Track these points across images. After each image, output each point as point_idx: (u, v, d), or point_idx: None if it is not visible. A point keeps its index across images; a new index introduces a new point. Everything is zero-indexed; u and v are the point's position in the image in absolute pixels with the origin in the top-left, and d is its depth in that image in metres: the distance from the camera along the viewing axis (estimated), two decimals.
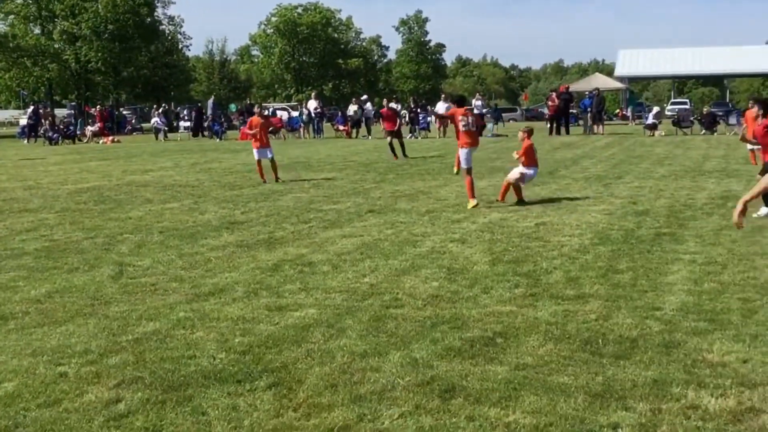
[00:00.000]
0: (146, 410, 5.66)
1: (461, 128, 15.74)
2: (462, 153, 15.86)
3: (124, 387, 6.10)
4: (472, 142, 15.87)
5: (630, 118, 58.92)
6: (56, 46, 71.70)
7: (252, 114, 55.26)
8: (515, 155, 16.20)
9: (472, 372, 6.27)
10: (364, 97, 52.08)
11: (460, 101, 17.17)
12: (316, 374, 6.31)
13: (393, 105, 31.29)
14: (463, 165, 15.83)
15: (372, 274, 9.83)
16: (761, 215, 13.42)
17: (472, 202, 15.22)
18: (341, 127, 47.80)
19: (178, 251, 11.58)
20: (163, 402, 5.79)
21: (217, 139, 46.77)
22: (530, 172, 16.02)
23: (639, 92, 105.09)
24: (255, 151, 20.97)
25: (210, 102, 53.40)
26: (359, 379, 6.18)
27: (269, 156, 20.76)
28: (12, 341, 7.32)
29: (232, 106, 72.59)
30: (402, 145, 28.31)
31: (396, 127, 28.59)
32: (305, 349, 6.93)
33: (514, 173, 15.84)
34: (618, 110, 71.56)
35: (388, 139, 28.32)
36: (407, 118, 47.36)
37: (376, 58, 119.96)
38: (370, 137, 43.83)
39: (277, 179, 20.74)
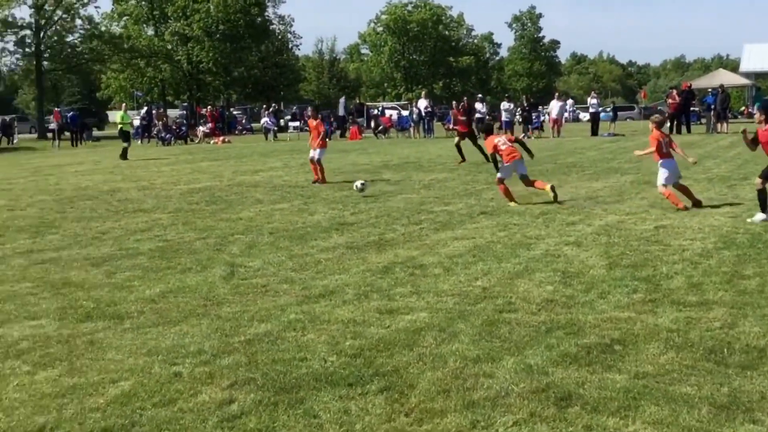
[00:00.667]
0: (259, 411, 5.77)
1: (501, 148, 16.76)
2: (503, 168, 16.81)
3: (237, 388, 6.24)
4: (516, 155, 16.60)
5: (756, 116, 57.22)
6: (168, 46, 73.60)
7: (361, 114, 55.39)
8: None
9: (589, 380, 6.20)
10: (479, 96, 51.87)
11: (488, 130, 18.23)
12: (428, 379, 6.33)
13: (479, 105, 30.54)
14: (500, 174, 16.83)
15: (484, 277, 9.81)
16: (756, 221, 13.01)
17: (513, 204, 15.99)
18: (452, 127, 47.78)
19: (288, 252, 11.77)
20: (276, 404, 5.90)
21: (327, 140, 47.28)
22: (667, 169, 15.04)
23: (766, 89, 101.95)
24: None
25: (342, 101, 53.75)
26: (472, 384, 6.18)
27: (315, 158, 21.68)
28: (128, 340, 7.57)
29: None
30: (478, 147, 26.81)
31: (468, 129, 28.14)
32: (417, 353, 6.96)
33: (659, 178, 15.21)
34: (743, 108, 69.53)
35: (456, 139, 27.77)
36: (520, 117, 47.01)
37: (488, 55, 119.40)
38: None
39: (322, 181, 21.40)
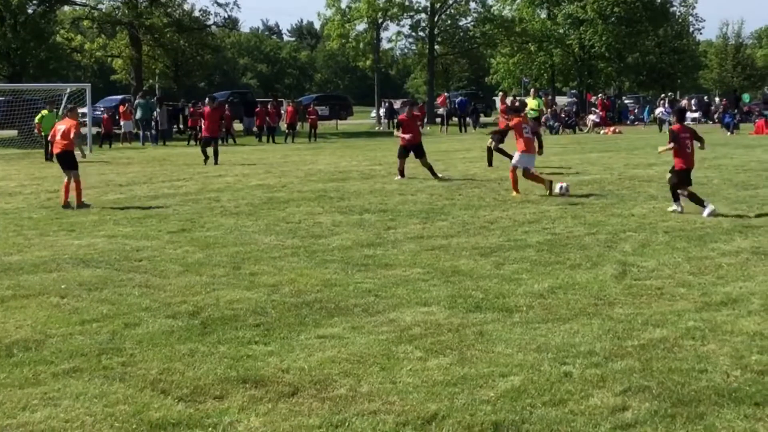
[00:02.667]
0: (654, 423, 5.72)
1: (524, 134, 18.28)
2: (519, 157, 18.20)
3: (631, 395, 6.22)
4: (530, 149, 18.34)
5: None
6: (560, 30, 74.02)
7: None
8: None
9: None
10: None
11: (519, 108, 20.03)
12: None
13: None
14: (516, 164, 18.27)
15: None
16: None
17: (514, 194, 17.91)
18: None
19: (685, 254, 11.50)
20: (673, 416, 5.81)
21: (728, 133, 45.41)
22: None
23: None
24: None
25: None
26: None
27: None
28: (517, 334, 7.79)
29: (746, 97, 69.93)
30: None
31: None
32: None
33: None
34: None
35: None
36: None
37: None
38: None
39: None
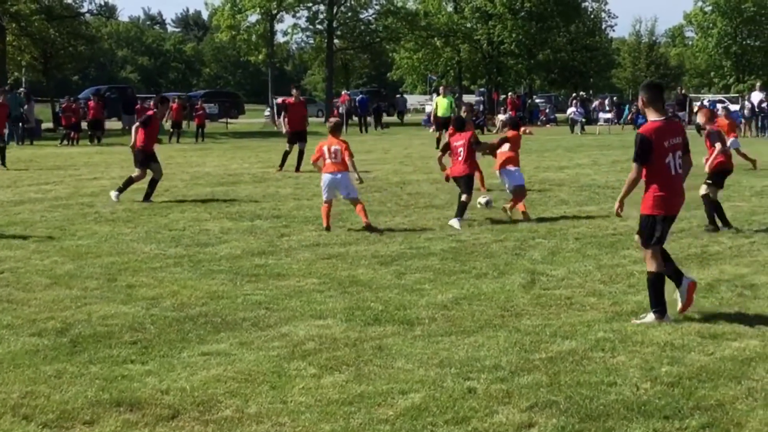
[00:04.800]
0: None
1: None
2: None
3: (537, 410, 6.32)
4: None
5: None
6: (468, 24, 74.75)
7: (683, 106, 53.39)
8: None
9: None
10: None
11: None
12: (759, 418, 6.18)
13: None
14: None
15: None
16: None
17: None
18: None
19: (596, 261, 11.74)
20: None
21: None
22: None
23: None
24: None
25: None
26: None
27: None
28: (418, 348, 7.84)
29: None
30: None
31: None
32: (746, 387, 6.79)
33: None
34: None
35: None
36: None
37: None
38: None
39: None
